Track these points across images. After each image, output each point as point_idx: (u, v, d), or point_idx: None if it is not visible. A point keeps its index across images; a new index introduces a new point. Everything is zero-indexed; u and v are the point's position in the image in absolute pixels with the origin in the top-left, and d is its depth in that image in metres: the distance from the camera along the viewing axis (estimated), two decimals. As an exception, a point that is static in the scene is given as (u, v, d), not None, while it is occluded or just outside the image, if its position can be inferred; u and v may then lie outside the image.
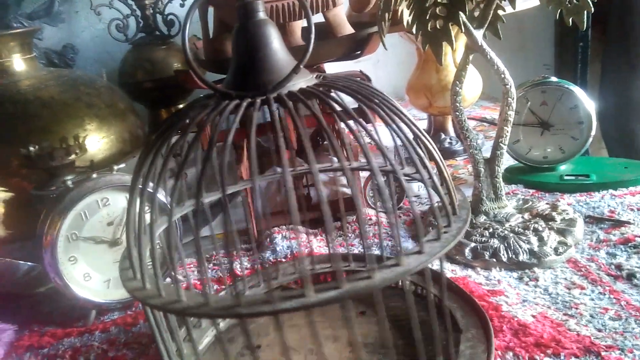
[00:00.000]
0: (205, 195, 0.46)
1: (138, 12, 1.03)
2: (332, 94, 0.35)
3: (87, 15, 1.22)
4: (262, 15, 0.36)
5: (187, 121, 0.34)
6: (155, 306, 0.31)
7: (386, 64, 1.40)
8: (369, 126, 0.33)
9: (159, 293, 0.31)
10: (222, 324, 0.50)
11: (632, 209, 0.64)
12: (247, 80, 0.35)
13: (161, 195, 0.55)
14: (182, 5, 1.05)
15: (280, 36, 0.36)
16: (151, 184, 0.35)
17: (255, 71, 0.35)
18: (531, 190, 0.73)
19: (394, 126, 0.35)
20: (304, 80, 0.35)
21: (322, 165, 0.47)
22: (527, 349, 0.44)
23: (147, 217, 0.35)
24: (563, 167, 0.75)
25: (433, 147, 0.36)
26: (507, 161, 0.78)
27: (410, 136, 0.35)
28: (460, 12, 0.47)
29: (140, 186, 0.35)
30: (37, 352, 0.53)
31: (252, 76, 0.35)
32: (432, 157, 0.36)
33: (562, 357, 0.42)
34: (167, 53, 1.03)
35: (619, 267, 0.54)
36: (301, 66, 0.35)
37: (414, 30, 0.57)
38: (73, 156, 0.66)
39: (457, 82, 0.60)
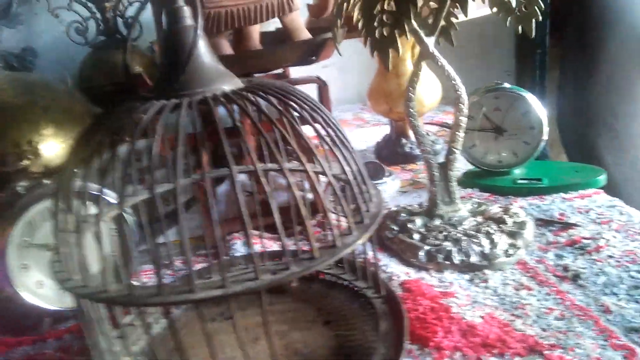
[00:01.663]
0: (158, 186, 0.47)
1: (98, 15, 1.01)
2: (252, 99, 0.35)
3: (47, 18, 1.19)
4: (188, 21, 0.37)
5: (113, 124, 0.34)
6: (83, 295, 0.32)
7: (352, 70, 1.41)
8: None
9: (87, 284, 0.32)
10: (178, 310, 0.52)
11: (580, 212, 0.66)
12: (172, 84, 0.36)
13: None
14: (142, 8, 1.04)
15: (206, 42, 0.38)
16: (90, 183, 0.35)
17: (180, 75, 0.36)
18: (486, 194, 0.75)
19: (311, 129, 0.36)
20: (228, 85, 0.37)
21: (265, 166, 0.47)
22: (474, 349, 0.45)
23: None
24: (517, 171, 0.77)
25: (350, 148, 0.38)
26: (464, 165, 0.80)
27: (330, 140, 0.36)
28: (407, 20, 0.48)
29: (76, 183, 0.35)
30: (-16, 363, 0.51)
31: (177, 80, 0.36)
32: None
33: (506, 357, 0.43)
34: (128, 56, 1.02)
35: (565, 268, 0.55)
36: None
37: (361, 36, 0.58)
38: (26, 161, 0.65)
39: (411, 88, 0.61)
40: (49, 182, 0.58)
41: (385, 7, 0.48)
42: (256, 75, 0.71)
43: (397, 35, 0.48)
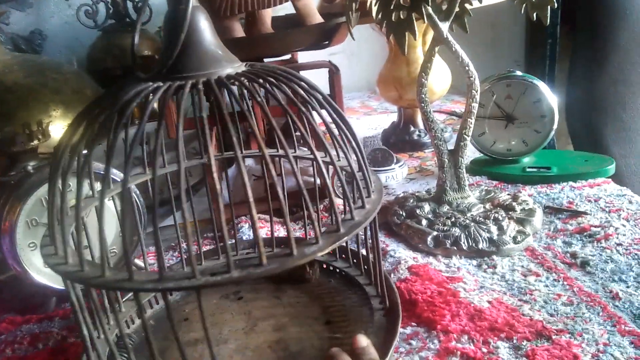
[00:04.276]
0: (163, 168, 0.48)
1: (108, -2, 1.01)
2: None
3: (56, 1, 1.20)
4: (193, 1, 0.36)
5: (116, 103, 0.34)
6: (77, 280, 0.32)
7: (360, 57, 1.41)
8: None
9: (82, 268, 0.32)
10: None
11: (589, 200, 0.66)
12: (175, 65, 0.35)
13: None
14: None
15: (210, 23, 0.37)
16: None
17: (183, 56, 0.36)
18: (494, 182, 0.75)
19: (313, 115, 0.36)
20: (232, 67, 0.36)
21: (272, 151, 0.47)
22: (482, 333, 0.45)
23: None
24: (526, 160, 0.77)
25: (352, 134, 0.38)
26: (472, 153, 0.80)
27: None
28: (424, 4, 0.47)
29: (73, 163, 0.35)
30: (-6, 339, 0.52)
31: (180, 61, 0.35)
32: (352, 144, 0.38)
33: (514, 341, 0.44)
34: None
35: (573, 255, 0.55)
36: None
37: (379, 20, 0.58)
38: (36, 142, 0.65)
39: (423, 74, 0.61)
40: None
41: (401, -10, 0.47)
42: (267, 60, 0.71)
43: (413, 18, 0.47)
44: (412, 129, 0.94)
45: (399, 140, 0.94)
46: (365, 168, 0.38)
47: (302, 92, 0.36)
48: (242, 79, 0.35)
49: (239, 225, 0.69)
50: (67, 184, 0.36)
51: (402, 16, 0.48)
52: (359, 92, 1.41)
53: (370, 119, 1.14)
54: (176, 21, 0.36)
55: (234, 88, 0.34)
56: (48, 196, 0.37)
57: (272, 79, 0.36)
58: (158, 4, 1.05)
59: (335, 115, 0.37)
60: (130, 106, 0.34)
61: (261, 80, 0.35)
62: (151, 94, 0.35)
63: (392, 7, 0.49)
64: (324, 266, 0.53)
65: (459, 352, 0.43)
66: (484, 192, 0.68)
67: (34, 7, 1.16)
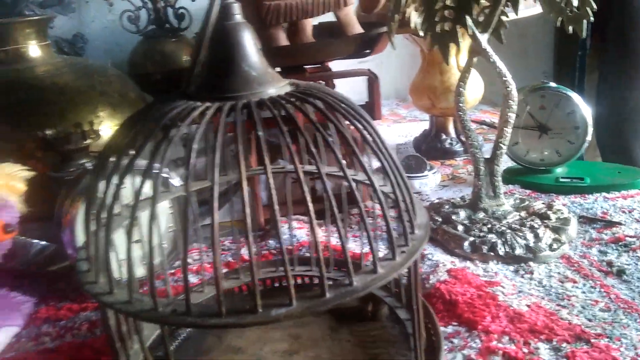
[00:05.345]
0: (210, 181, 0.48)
1: (150, 5, 1.05)
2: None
3: (97, 6, 1.24)
4: (238, 17, 0.36)
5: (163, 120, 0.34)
6: (108, 304, 0.32)
7: (389, 66, 1.43)
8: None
9: (111, 291, 0.32)
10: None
11: (623, 211, 0.67)
12: (223, 82, 0.35)
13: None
14: (193, 0, 1.07)
15: (254, 40, 0.36)
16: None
17: (231, 74, 0.35)
18: (527, 191, 0.76)
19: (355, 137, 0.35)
20: (275, 88, 0.36)
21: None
22: (522, 334, 0.46)
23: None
24: (559, 170, 0.78)
25: (394, 162, 0.37)
26: (505, 162, 0.81)
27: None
28: (467, 16, 0.49)
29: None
30: (54, 324, 0.55)
31: (225, 79, 0.35)
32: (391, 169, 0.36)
33: (554, 343, 0.45)
34: (177, 46, 1.06)
35: (609, 263, 0.57)
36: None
37: (420, 31, 0.60)
38: (88, 141, 0.68)
39: (462, 83, 0.63)
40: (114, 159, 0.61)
41: (447, 2, 0.49)
42: (307, 66, 0.74)
43: (457, 30, 0.49)
44: (443, 137, 0.95)
45: (430, 148, 0.95)
46: (411, 198, 0.36)
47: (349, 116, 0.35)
48: (283, 102, 0.34)
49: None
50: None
51: (446, 28, 0.50)
52: (388, 100, 1.42)
53: (400, 127, 1.16)
54: (221, 38, 0.35)
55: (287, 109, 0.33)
56: (85, 207, 0.37)
57: (323, 101, 0.35)
58: (197, 10, 1.09)
59: (379, 145, 0.36)
60: (179, 130, 0.33)
61: (306, 105, 0.35)
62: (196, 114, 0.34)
63: (436, 19, 0.51)
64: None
65: (500, 352, 0.44)
66: (518, 201, 0.69)
67: (77, 12, 1.21)
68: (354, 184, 0.33)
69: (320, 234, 0.68)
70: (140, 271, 0.48)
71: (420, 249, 0.34)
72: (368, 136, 0.36)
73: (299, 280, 0.54)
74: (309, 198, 0.31)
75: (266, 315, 0.29)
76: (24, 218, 0.57)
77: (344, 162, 0.33)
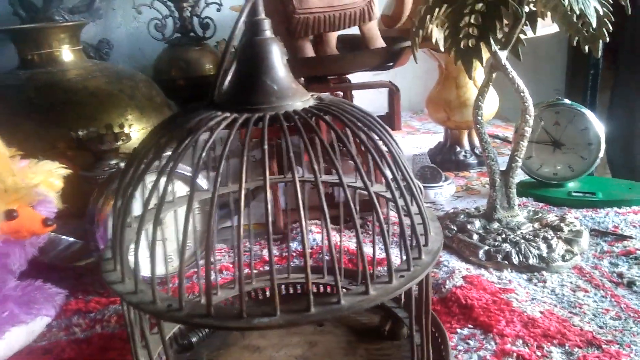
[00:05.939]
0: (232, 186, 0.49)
1: (176, 14, 1.08)
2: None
3: (123, 13, 1.28)
4: (268, 33, 0.37)
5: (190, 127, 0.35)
6: (132, 303, 0.34)
7: (404, 79, 1.45)
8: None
9: (136, 290, 0.33)
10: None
11: (634, 226, 0.69)
12: (251, 94, 0.36)
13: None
14: (218, 10, 1.11)
15: (282, 54, 0.37)
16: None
17: (258, 86, 0.36)
18: (540, 204, 0.79)
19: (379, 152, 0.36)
20: (301, 101, 0.37)
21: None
22: (536, 339, 0.48)
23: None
24: (571, 184, 0.80)
25: (411, 177, 0.38)
26: (519, 176, 0.84)
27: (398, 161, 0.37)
28: (491, 34, 0.52)
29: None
30: (84, 315, 0.58)
31: (256, 91, 0.36)
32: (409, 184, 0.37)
33: (566, 347, 0.47)
34: (201, 54, 1.09)
35: (620, 275, 0.59)
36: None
37: (441, 46, 0.63)
38: (120, 142, 0.72)
39: (480, 97, 0.66)
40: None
41: (472, 21, 0.52)
42: (330, 76, 0.77)
43: (481, 47, 0.52)
44: (458, 149, 0.98)
45: (444, 160, 0.98)
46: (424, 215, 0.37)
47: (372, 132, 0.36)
48: (309, 115, 0.35)
49: (297, 229, 0.74)
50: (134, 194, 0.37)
51: (470, 44, 0.53)
52: (402, 113, 1.45)
53: (415, 138, 1.18)
54: (249, 52, 0.36)
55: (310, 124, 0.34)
56: (113, 206, 0.38)
57: (346, 116, 0.36)
58: (221, 19, 1.13)
59: (398, 161, 0.37)
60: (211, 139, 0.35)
61: (327, 117, 0.36)
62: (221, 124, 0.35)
63: (461, 36, 0.54)
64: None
65: (515, 354, 0.47)
66: (531, 213, 0.71)
67: (103, 18, 1.25)
68: (374, 198, 0.34)
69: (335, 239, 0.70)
70: (160, 269, 0.50)
71: (422, 275, 0.34)
72: (386, 150, 0.37)
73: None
74: (323, 205, 0.32)
75: (248, 322, 0.30)
76: (60, 214, 0.60)
77: (364, 173, 0.34)
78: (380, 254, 0.63)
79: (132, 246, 0.36)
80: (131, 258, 0.36)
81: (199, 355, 0.49)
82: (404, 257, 0.35)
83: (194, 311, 0.31)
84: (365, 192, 0.35)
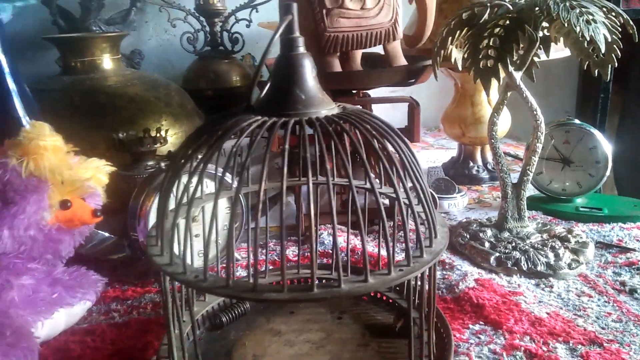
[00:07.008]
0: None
1: (207, 28, 1.15)
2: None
3: (155, 26, 1.35)
4: (302, 49, 0.41)
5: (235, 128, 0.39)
6: (167, 272, 0.38)
7: (419, 96, 1.50)
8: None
9: (171, 263, 0.38)
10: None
11: (638, 240, 0.73)
12: (282, 102, 0.41)
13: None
14: (248, 26, 1.17)
15: (313, 68, 0.42)
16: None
17: (289, 95, 0.41)
18: (549, 217, 0.83)
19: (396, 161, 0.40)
20: (326, 110, 0.41)
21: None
22: (542, 336, 0.53)
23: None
24: (579, 200, 0.84)
25: (423, 183, 0.41)
26: (529, 191, 0.88)
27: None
28: (509, 55, 0.57)
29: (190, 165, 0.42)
30: (122, 302, 0.62)
31: (287, 99, 0.41)
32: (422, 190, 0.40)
33: (570, 344, 0.51)
34: (229, 67, 1.15)
35: (623, 283, 0.63)
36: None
37: (460, 66, 0.68)
38: (157, 145, 0.77)
39: (495, 114, 0.71)
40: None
41: (490, 43, 0.57)
42: (354, 90, 0.82)
43: (499, 67, 0.57)
44: (471, 164, 1.02)
45: (458, 174, 1.02)
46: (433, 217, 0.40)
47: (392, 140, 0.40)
48: (329, 122, 0.39)
49: (320, 231, 0.78)
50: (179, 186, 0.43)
51: (489, 65, 0.58)
52: (417, 128, 1.50)
53: (429, 153, 1.23)
54: (285, 65, 0.41)
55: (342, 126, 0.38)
56: (159, 197, 0.44)
57: (369, 125, 0.40)
58: (248, 35, 1.19)
59: (413, 165, 0.40)
60: (256, 139, 0.39)
61: (347, 125, 0.40)
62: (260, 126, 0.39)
63: (480, 57, 0.59)
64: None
65: (522, 348, 0.51)
66: (540, 225, 0.76)
67: (136, 30, 1.31)
68: (401, 203, 0.38)
69: (349, 241, 0.75)
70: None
71: (420, 270, 0.37)
72: (403, 157, 0.41)
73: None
74: (334, 208, 0.35)
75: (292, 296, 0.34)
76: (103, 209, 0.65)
77: (394, 180, 0.38)
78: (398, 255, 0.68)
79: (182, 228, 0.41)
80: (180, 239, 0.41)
81: (227, 334, 0.54)
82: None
83: (215, 283, 0.36)
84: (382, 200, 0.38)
